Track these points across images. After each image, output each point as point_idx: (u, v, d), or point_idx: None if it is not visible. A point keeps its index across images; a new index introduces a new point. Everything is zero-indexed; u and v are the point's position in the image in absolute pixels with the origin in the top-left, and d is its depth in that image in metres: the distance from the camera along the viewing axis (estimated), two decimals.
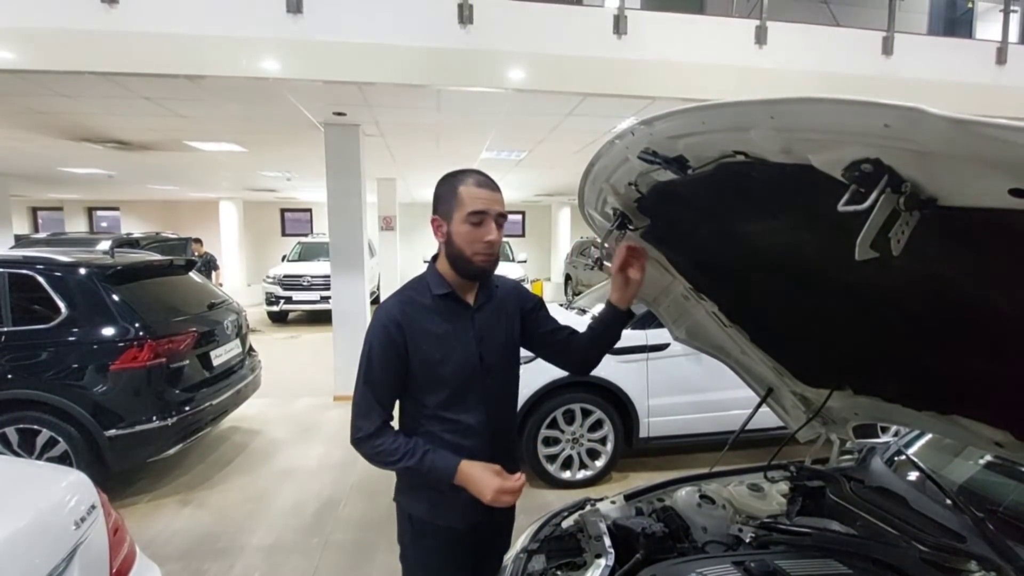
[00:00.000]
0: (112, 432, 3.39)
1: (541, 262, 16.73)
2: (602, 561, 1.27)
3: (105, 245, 5.60)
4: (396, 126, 5.84)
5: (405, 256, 12.62)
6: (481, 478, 1.31)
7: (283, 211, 16.35)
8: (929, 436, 1.73)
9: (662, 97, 4.48)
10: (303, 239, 12.51)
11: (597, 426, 3.78)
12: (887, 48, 4.94)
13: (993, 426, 1.24)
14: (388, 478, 1.48)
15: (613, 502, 1.60)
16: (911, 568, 1.11)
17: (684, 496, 1.55)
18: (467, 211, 1.32)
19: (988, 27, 7.35)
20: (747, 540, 1.32)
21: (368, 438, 1.35)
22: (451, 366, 1.38)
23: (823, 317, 1.38)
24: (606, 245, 1.52)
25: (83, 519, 1.68)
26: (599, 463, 3.81)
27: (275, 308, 10.40)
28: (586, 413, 3.75)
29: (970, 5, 7.61)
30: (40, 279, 3.53)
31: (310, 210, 16.33)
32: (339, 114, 5.25)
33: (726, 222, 1.26)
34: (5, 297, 3.49)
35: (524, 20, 4.28)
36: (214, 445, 4.58)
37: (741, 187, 1.04)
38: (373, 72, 4.11)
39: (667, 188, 1.20)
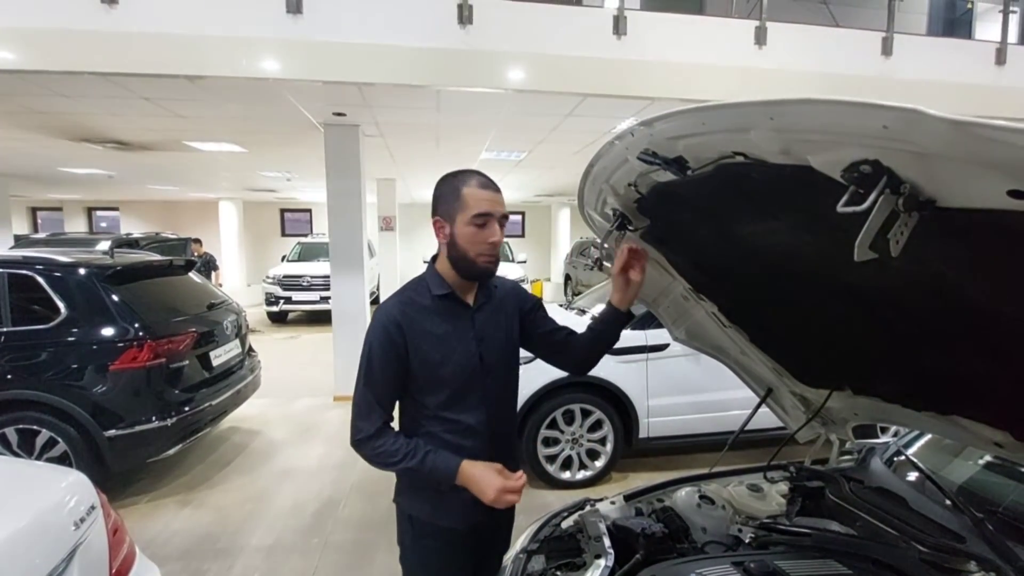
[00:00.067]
0: (112, 432, 3.39)
1: (541, 262, 16.73)
2: (602, 561, 1.27)
3: (105, 245, 5.61)
4: (396, 126, 5.84)
5: (405, 256, 12.63)
6: (483, 478, 1.31)
7: (283, 211, 16.35)
8: (929, 436, 1.74)
9: (662, 98, 4.49)
10: (303, 239, 12.51)
11: (597, 426, 3.78)
12: (886, 49, 4.94)
13: (993, 427, 1.24)
14: (388, 479, 1.48)
15: (613, 502, 1.60)
16: (911, 568, 1.11)
17: (684, 496, 1.55)
18: (472, 213, 1.32)
19: (987, 27, 7.36)
20: (747, 540, 1.32)
21: (368, 439, 1.35)
22: (451, 366, 1.38)
23: (822, 318, 1.38)
24: (606, 246, 1.52)
25: (83, 519, 1.68)
26: (599, 463, 3.81)
27: (275, 308, 10.40)
28: (586, 413, 3.75)
29: (969, 6, 7.62)
30: (40, 279, 3.53)
31: (310, 210, 16.33)
32: (339, 114, 5.25)
33: (725, 223, 1.26)
34: (5, 297, 3.48)
35: (524, 20, 4.28)
36: (214, 445, 4.58)
37: (741, 188, 1.05)
38: (373, 72, 4.11)
39: (667, 189, 1.20)
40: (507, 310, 1.52)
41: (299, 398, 5.84)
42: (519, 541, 1.52)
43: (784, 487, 1.58)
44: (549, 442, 3.73)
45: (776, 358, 1.65)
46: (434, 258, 1.46)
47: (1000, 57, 5.25)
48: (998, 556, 1.10)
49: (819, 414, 1.65)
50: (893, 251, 0.77)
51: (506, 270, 9.30)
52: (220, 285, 9.87)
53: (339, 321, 5.83)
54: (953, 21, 7.86)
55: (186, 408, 3.68)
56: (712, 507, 1.49)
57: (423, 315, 1.39)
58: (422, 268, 1.53)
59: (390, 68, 4.11)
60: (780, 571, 1.12)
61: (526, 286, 11.34)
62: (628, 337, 3.80)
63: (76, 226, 15.68)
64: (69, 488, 1.75)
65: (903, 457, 1.64)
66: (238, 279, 13.74)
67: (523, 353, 1.57)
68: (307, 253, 11.36)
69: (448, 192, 1.36)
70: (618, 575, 1.24)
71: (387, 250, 10.48)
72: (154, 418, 3.51)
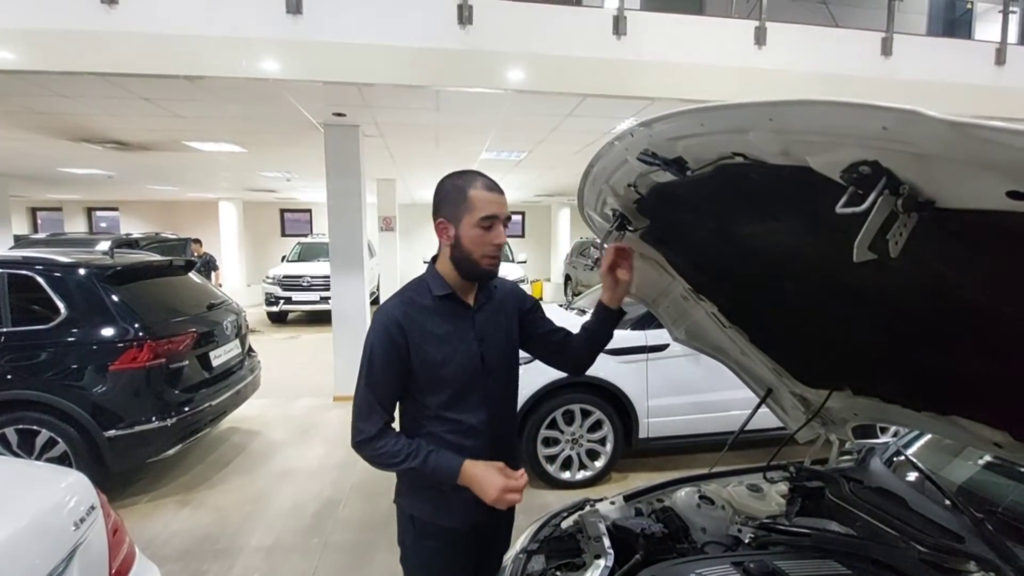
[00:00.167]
0: (111, 433, 3.39)
1: (541, 262, 16.73)
2: (601, 562, 1.27)
3: (104, 246, 5.61)
4: (396, 127, 5.84)
5: (405, 257, 12.63)
6: (485, 477, 1.31)
7: (283, 211, 16.35)
8: (928, 436, 1.74)
9: (661, 98, 4.49)
10: (303, 239, 12.51)
11: (597, 427, 3.78)
12: (886, 49, 4.95)
13: (992, 427, 1.24)
14: (388, 479, 1.48)
15: (612, 503, 1.60)
16: (910, 568, 1.12)
17: (683, 497, 1.56)
18: (479, 215, 1.32)
19: (987, 28, 7.36)
20: (746, 541, 1.32)
21: (370, 440, 1.35)
22: (453, 367, 1.38)
23: (822, 318, 1.39)
24: (605, 246, 1.52)
25: (82, 520, 1.68)
26: (599, 464, 3.81)
27: (275, 308, 10.40)
28: (586, 414, 3.75)
29: (969, 6, 7.62)
30: (39, 279, 3.53)
31: (310, 210, 16.33)
32: (339, 115, 5.25)
33: (725, 223, 1.26)
34: (4, 298, 3.48)
35: (524, 21, 4.28)
36: (213, 446, 4.58)
37: (740, 189, 1.05)
38: (373, 73, 4.11)
39: (666, 189, 1.20)
40: (507, 310, 1.52)
41: (299, 398, 5.84)
42: (519, 541, 1.52)
43: (784, 487, 1.58)
44: (549, 442, 3.73)
45: (776, 358, 1.65)
46: (434, 258, 1.46)
47: (1000, 57, 5.25)
48: (998, 556, 1.11)
49: (819, 414, 1.65)
50: (892, 252, 0.77)
51: (506, 270, 9.29)
52: (220, 285, 9.87)
53: (339, 321, 5.83)
54: (953, 21, 7.86)
55: (186, 408, 3.68)
56: (712, 507, 1.49)
57: (424, 315, 1.39)
58: (422, 268, 1.53)
59: (390, 68, 4.11)
60: (780, 571, 1.12)
61: (526, 286, 11.31)
62: (628, 337, 3.80)
63: (76, 226, 15.68)
64: (69, 488, 1.75)
65: (903, 457, 1.64)
66: (238, 279, 13.73)
67: (522, 354, 1.58)
68: (307, 253, 11.36)
69: (453, 194, 1.36)
70: (618, 575, 1.24)
71: (387, 250, 10.48)
72: (154, 418, 3.51)
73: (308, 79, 4.10)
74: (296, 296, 10.26)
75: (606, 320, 1.54)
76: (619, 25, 4.38)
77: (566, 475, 3.77)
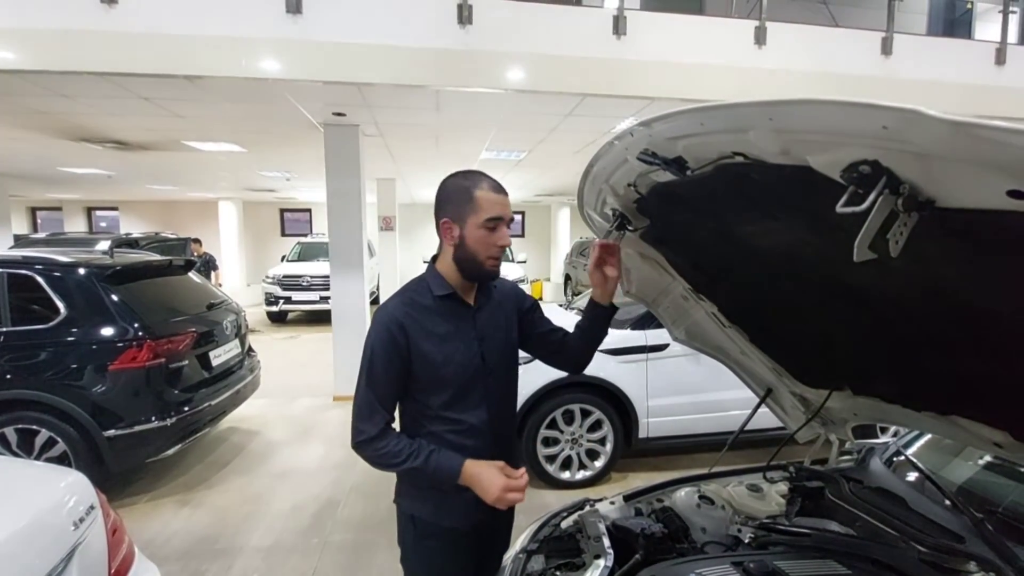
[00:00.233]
0: (111, 432, 3.39)
1: (541, 262, 16.73)
2: (601, 562, 1.27)
3: (104, 245, 5.61)
4: (395, 126, 5.84)
5: (404, 256, 12.62)
6: (486, 477, 1.31)
7: (282, 211, 16.35)
8: (928, 436, 1.74)
9: (661, 98, 4.49)
10: (302, 239, 12.51)
11: (596, 426, 3.78)
12: (886, 48, 4.95)
13: (992, 427, 1.24)
14: (388, 479, 1.48)
15: (612, 503, 1.60)
16: (910, 569, 1.11)
17: (683, 497, 1.55)
18: (485, 216, 1.33)
19: (987, 27, 7.36)
20: (746, 541, 1.32)
21: (371, 441, 1.34)
22: (453, 366, 1.38)
23: (822, 318, 1.38)
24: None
25: (82, 519, 1.68)
26: (598, 463, 3.81)
27: (274, 308, 10.40)
28: (585, 413, 3.75)
29: (969, 6, 7.63)
30: (39, 279, 3.53)
31: (309, 210, 16.33)
32: (338, 114, 5.25)
33: (725, 223, 1.26)
34: (4, 297, 3.48)
35: (523, 20, 4.28)
36: (213, 446, 4.58)
37: (740, 188, 1.05)
38: (372, 73, 4.11)
39: (666, 189, 1.20)
40: (506, 310, 1.52)
41: (298, 398, 5.84)
42: (519, 541, 1.52)
43: (784, 487, 1.58)
44: (549, 442, 3.73)
45: (776, 358, 1.65)
46: (434, 258, 1.46)
47: (1000, 57, 5.25)
48: (998, 556, 1.10)
49: (819, 414, 1.65)
50: (892, 251, 0.77)
51: (506, 270, 9.27)
52: (220, 285, 9.86)
53: (339, 321, 5.83)
54: (953, 21, 7.86)
55: (185, 408, 3.68)
56: (712, 507, 1.49)
57: (425, 315, 1.39)
58: (422, 268, 1.53)
59: (390, 68, 4.11)
60: (779, 571, 1.12)
61: (526, 286, 11.29)
62: (628, 337, 3.80)
63: (76, 226, 15.67)
64: (68, 488, 1.75)
65: (903, 457, 1.64)
66: (238, 279, 13.73)
67: (522, 354, 1.58)
68: (307, 253, 11.36)
69: (458, 194, 1.36)
70: (617, 575, 1.24)
71: (387, 250, 10.48)
72: (153, 418, 3.51)
73: (308, 79, 4.10)
74: (296, 296, 10.26)
75: (599, 317, 1.55)
76: (619, 25, 4.38)
77: (566, 475, 3.77)
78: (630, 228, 1.42)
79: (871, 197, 0.72)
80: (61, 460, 3.35)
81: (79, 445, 3.38)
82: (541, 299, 12.19)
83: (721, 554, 1.28)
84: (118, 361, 3.44)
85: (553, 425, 3.71)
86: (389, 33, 4.06)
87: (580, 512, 1.56)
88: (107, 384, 3.43)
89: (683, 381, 3.83)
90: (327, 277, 7.49)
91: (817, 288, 1.27)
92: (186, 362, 3.83)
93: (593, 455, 3.82)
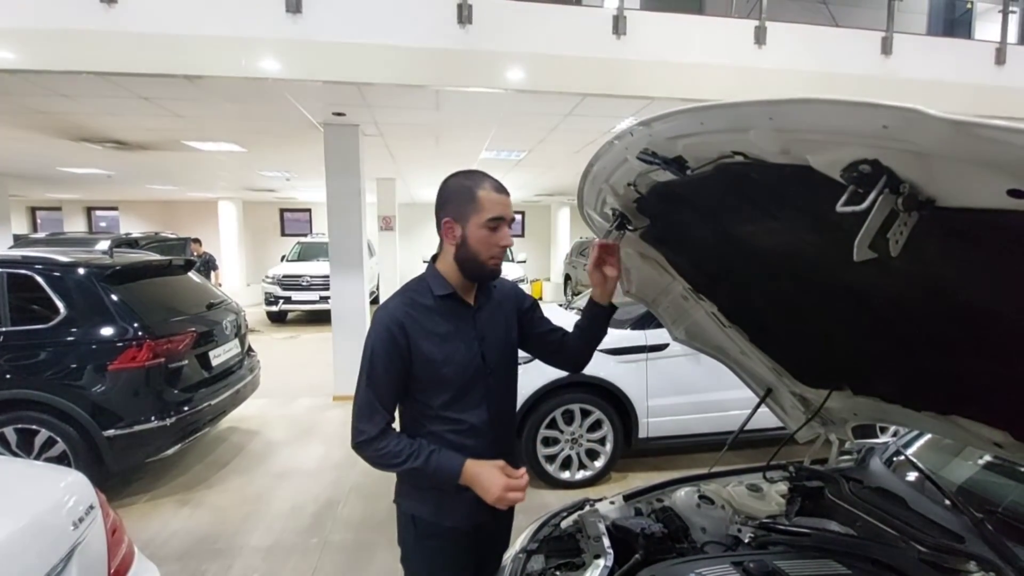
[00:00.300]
0: (111, 432, 3.39)
1: (540, 262, 16.73)
2: (601, 561, 1.27)
3: (104, 245, 5.60)
4: (395, 126, 5.84)
5: (405, 256, 12.62)
6: (487, 476, 1.31)
7: (282, 211, 16.35)
8: (928, 436, 1.74)
9: (661, 97, 4.49)
10: (302, 239, 12.51)
11: (596, 426, 3.78)
12: (886, 48, 4.95)
13: (992, 426, 1.24)
14: (387, 479, 1.48)
15: (612, 502, 1.60)
16: (910, 568, 1.11)
17: (683, 496, 1.55)
18: (487, 216, 1.33)
19: (987, 27, 7.36)
20: (746, 540, 1.32)
21: (371, 441, 1.34)
22: (454, 366, 1.38)
23: (822, 318, 1.38)
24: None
25: (81, 519, 1.68)
26: (598, 463, 3.80)
27: (274, 308, 10.40)
28: (585, 413, 3.74)
29: (969, 6, 7.63)
30: (39, 279, 3.53)
31: (309, 210, 16.33)
32: (338, 114, 5.25)
33: (725, 223, 1.26)
34: (4, 297, 3.48)
35: (523, 20, 4.28)
36: (213, 445, 4.57)
37: (740, 188, 1.05)
38: (372, 72, 4.11)
39: (666, 189, 1.20)
40: (506, 310, 1.53)
41: (298, 398, 5.84)
42: (519, 541, 1.52)
43: (783, 487, 1.58)
44: (548, 442, 3.73)
45: (776, 358, 1.65)
46: (434, 258, 1.46)
47: (1000, 57, 5.25)
48: (997, 556, 1.10)
49: (818, 414, 1.65)
50: (892, 251, 0.77)
51: (506, 270, 9.26)
52: (219, 285, 9.86)
53: (339, 321, 5.83)
54: (953, 21, 7.86)
55: (185, 408, 3.68)
56: (711, 507, 1.49)
57: (425, 315, 1.39)
58: (422, 268, 1.53)
59: (390, 68, 4.11)
60: (779, 571, 1.12)
61: (525, 286, 11.29)
62: (628, 337, 3.80)
63: (75, 226, 15.67)
64: (68, 488, 1.75)
65: (903, 457, 1.64)
66: (237, 279, 13.73)
67: (522, 353, 1.58)
68: (307, 253, 11.36)
69: (460, 193, 1.36)
70: (617, 575, 1.24)
71: (387, 250, 10.48)
72: (153, 418, 3.50)
73: (308, 79, 4.10)
74: (296, 296, 10.26)
75: (599, 316, 1.54)
76: (619, 25, 4.38)
77: (566, 475, 3.77)
78: (630, 228, 1.42)
79: (871, 196, 0.72)
80: (61, 460, 3.35)
81: (79, 445, 3.38)
82: (541, 299, 12.19)
83: (721, 554, 1.28)
84: (118, 361, 3.44)
85: (553, 425, 3.71)
86: (389, 33, 4.06)
87: (580, 512, 1.56)
88: (107, 384, 3.43)
89: (683, 381, 3.83)
90: (327, 277, 7.49)
91: (817, 288, 1.27)
92: (186, 362, 3.82)
93: (593, 455, 3.81)
